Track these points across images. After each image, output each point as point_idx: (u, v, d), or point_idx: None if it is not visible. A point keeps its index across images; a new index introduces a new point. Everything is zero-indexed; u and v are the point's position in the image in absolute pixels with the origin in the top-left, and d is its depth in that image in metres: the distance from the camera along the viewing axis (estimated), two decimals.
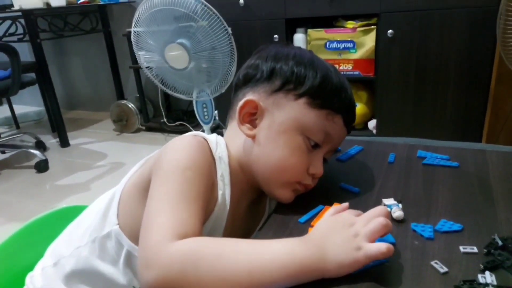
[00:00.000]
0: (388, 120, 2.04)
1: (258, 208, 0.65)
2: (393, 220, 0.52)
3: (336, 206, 0.50)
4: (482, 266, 0.43)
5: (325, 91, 0.56)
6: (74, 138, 2.76)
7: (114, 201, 0.58)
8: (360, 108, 2.14)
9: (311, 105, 0.55)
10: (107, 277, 0.58)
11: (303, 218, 0.54)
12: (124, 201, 0.58)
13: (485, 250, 0.45)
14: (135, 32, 1.83)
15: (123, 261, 0.56)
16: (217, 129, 2.20)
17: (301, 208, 0.56)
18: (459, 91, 1.85)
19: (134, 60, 2.68)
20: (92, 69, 3.28)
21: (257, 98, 0.57)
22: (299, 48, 0.62)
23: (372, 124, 2.13)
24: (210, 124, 2.08)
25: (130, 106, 2.76)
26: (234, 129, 0.60)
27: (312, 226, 0.52)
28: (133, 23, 1.80)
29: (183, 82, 1.93)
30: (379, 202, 0.56)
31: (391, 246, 0.40)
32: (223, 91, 1.94)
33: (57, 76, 3.35)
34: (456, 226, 0.50)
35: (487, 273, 0.42)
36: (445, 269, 0.43)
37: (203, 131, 2.11)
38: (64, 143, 2.64)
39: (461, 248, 0.46)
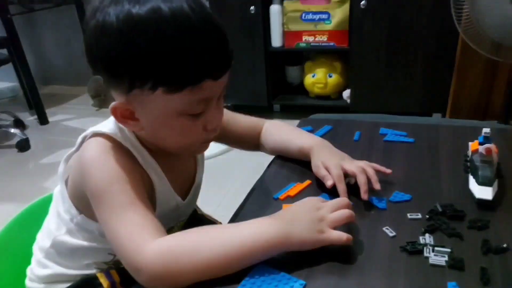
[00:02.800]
0: (362, 89, 2.13)
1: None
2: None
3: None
4: (423, 229, 0.53)
5: (175, 72, 0.48)
6: (53, 115, 2.74)
7: (66, 198, 0.62)
8: (334, 78, 2.22)
9: (170, 92, 0.49)
10: (89, 248, 0.63)
11: (276, 195, 0.63)
12: (72, 197, 0.61)
13: (427, 216, 0.55)
14: None
15: (99, 236, 0.61)
16: None
17: (277, 185, 0.65)
18: (427, 61, 1.94)
19: None
20: (65, 43, 3.19)
21: (119, 99, 0.53)
22: (126, 9, 0.47)
23: (346, 93, 2.21)
24: None
25: None
26: None
27: (280, 199, 0.62)
28: None
29: None
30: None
31: (350, 237, 0.48)
32: None
33: (29, 50, 3.25)
34: (406, 197, 0.60)
35: (427, 235, 0.52)
36: (394, 233, 0.53)
37: None
38: (43, 120, 2.63)
39: (408, 215, 0.56)
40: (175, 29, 0.47)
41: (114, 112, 0.53)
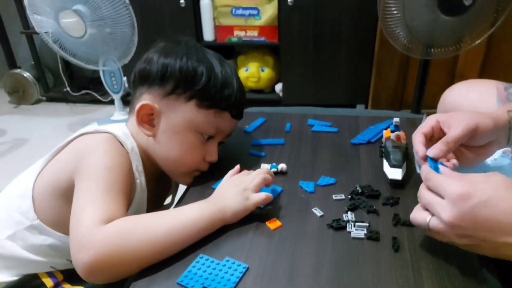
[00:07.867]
0: (292, 83, 2.23)
1: (165, 179, 0.76)
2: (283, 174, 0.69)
3: (231, 170, 0.65)
4: (346, 208, 0.60)
5: (211, 93, 0.64)
6: None
7: (27, 198, 0.61)
8: (267, 72, 2.29)
9: (200, 106, 0.64)
10: (30, 260, 0.62)
11: (216, 184, 0.66)
12: (39, 199, 0.61)
13: (349, 196, 0.62)
14: None
15: (48, 249, 0.62)
16: (128, 96, 2.17)
17: (216, 175, 0.68)
18: (350, 56, 2.09)
19: (26, 24, 2.44)
20: None
21: (152, 101, 0.64)
22: (190, 45, 0.67)
23: (278, 87, 2.30)
24: (120, 93, 2.04)
25: (25, 75, 2.53)
26: (135, 124, 0.66)
27: None
28: None
29: (85, 49, 1.84)
30: (280, 162, 0.70)
31: (269, 194, 0.58)
32: (126, 62, 1.91)
33: None
34: (331, 180, 0.66)
35: (349, 213, 0.59)
36: (322, 213, 0.59)
37: (112, 100, 2.07)
38: None
39: (333, 196, 0.62)
40: (222, 75, 0.65)
41: (142, 109, 0.63)
